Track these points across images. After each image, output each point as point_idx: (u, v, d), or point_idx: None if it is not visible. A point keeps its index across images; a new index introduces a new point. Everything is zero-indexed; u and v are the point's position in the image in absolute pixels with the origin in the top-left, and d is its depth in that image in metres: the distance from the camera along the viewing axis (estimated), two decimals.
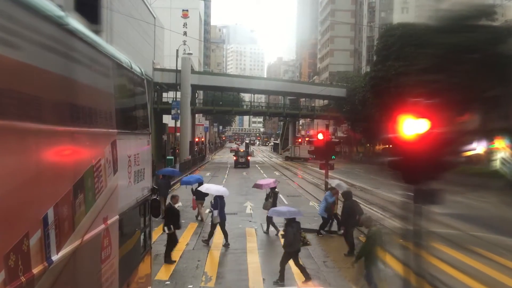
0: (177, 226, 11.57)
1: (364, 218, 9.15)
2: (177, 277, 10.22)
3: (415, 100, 5.35)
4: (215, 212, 12.96)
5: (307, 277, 9.82)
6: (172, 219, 11.44)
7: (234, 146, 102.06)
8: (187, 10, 76.06)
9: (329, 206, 14.61)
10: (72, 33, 3.70)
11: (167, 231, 11.37)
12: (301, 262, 10.23)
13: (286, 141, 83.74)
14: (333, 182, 15.60)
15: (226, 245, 12.94)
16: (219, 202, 13.07)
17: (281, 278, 9.76)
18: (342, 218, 12.91)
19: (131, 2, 37.48)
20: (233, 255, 12.25)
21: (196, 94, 60.83)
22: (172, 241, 11.50)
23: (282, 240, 10.40)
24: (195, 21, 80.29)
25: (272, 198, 15.01)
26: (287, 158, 64.88)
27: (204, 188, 14.71)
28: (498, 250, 12.50)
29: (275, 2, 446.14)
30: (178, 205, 12.68)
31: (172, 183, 22.74)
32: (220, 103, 66.25)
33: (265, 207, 14.84)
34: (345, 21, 79.99)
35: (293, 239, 9.74)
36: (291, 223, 9.92)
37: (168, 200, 13.56)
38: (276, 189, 15.49)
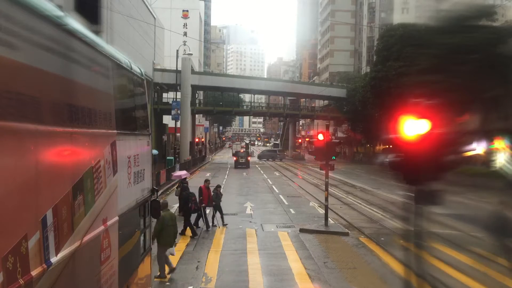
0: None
1: (161, 203, 9.97)
2: (177, 278, 10.19)
3: (415, 100, 5.33)
4: None
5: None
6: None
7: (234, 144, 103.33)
8: (187, 11, 76.00)
9: None
10: (72, 33, 3.68)
11: None
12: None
13: (286, 142, 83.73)
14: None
15: None
16: None
17: None
18: (180, 204, 16.06)
19: (131, 2, 37.45)
20: (233, 256, 12.21)
21: (196, 94, 60.83)
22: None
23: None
24: (195, 21, 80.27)
25: (180, 188, 17.24)
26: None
27: None
28: (498, 251, 12.45)
29: (275, 3, 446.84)
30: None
31: None
32: (220, 103, 66.24)
33: (175, 193, 17.72)
34: (345, 21, 79.89)
35: None
36: None
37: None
38: (186, 180, 17.85)
